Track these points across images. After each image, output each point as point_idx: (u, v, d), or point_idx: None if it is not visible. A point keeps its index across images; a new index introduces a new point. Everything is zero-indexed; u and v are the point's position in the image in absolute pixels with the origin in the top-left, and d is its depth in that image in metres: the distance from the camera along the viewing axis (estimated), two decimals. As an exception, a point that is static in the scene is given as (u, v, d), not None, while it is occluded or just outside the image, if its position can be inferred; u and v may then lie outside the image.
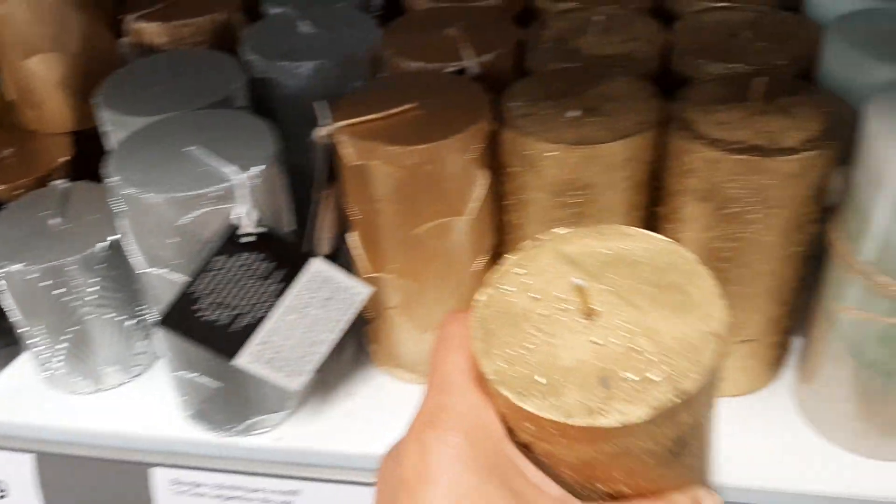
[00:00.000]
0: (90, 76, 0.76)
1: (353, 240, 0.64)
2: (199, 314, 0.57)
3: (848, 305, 0.55)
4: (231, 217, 0.55)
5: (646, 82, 0.61)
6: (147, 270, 0.58)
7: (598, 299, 0.34)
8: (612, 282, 0.35)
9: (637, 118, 0.57)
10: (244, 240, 0.56)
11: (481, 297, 0.36)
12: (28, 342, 0.68)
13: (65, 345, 0.67)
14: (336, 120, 0.59)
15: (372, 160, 0.57)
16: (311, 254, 0.59)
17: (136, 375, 0.72)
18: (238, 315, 0.58)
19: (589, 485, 0.35)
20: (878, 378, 0.56)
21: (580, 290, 0.34)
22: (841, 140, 0.55)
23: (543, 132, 0.57)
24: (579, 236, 0.37)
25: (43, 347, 0.68)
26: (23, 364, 0.74)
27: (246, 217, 0.55)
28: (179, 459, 0.65)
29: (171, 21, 0.75)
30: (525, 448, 0.35)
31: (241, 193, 0.55)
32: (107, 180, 0.56)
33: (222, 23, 0.77)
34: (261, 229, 0.56)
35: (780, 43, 0.65)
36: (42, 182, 0.73)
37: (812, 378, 0.62)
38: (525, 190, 0.59)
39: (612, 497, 0.36)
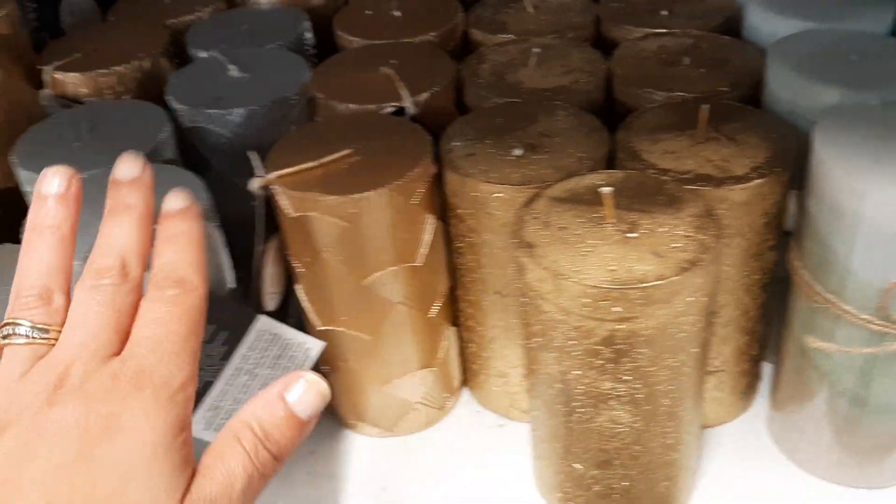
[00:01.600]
0: (9, 132, 0.72)
1: (301, 293, 0.62)
2: (139, 385, 0.53)
3: (816, 335, 0.54)
4: (167, 281, 0.52)
5: (588, 115, 0.60)
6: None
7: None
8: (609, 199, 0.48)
9: (581, 154, 0.56)
10: (183, 304, 0.53)
11: (521, 238, 0.48)
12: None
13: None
14: (270, 169, 0.57)
15: (310, 212, 0.55)
16: (255, 312, 0.57)
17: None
18: (181, 382, 0.55)
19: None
20: (852, 407, 0.55)
21: (607, 197, 0.48)
22: (791, 165, 0.54)
23: (488, 173, 0.55)
24: (559, 185, 0.52)
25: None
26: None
27: (182, 280, 0.52)
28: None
29: (92, 71, 0.72)
30: (608, 342, 0.47)
31: (177, 255, 0.52)
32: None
33: (147, 70, 0.73)
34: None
35: (720, 68, 0.65)
36: (-40, 249, 0.68)
37: (785, 408, 0.61)
38: (476, 232, 0.57)
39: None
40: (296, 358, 0.59)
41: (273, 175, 0.56)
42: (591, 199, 0.50)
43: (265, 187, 0.57)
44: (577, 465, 0.55)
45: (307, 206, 0.55)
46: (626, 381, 0.49)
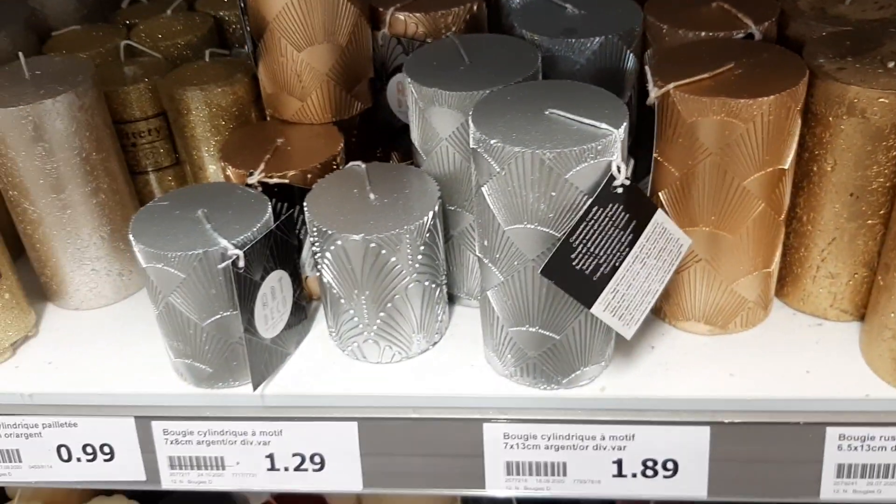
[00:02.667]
0: (351, 67, 0.80)
1: (662, 197, 0.69)
2: (574, 263, 0.61)
3: None
4: (611, 169, 0.60)
5: (929, 38, 0.68)
6: (514, 227, 0.62)
7: None
8: None
9: (946, 67, 0.64)
10: (617, 191, 0.61)
11: None
12: (344, 314, 0.72)
13: (382, 314, 0.71)
14: (661, 83, 0.64)
15: (713, 115, 0.63)
16: (655, 205, 0.64)
17: (435, 343, 0.75)
18: (598, 264, 0.62)
19: None
20: None
21: None
22: None
23: (870, 82, 0.63)
24: None
25: (357, 319, 0.71)
26: (314, 340, 0.77)
27: (620, 172, 0.60)
28: (510, 414, 0.69)
29: (431, 12, 0.80)
30: None
31: (617, 147, 0.60)
32: (492, 142, 0.60)
33: (473, 12, 0.81)
34: (627, 181, 0.61)
35: None
36: (327, 167, 0.76)
37: None
38: (844, 137, 0.65)
39: None
40: (671, 252, 0.67)
41: (672, 85, 0.64)
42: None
43: (658, 98, 0.64)
44: (947, 339, 0.62)
45: (710, 111, 0.63)
46: None
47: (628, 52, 0.74)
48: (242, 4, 0.78)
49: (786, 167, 0.66)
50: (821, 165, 0.68)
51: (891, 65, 0.64)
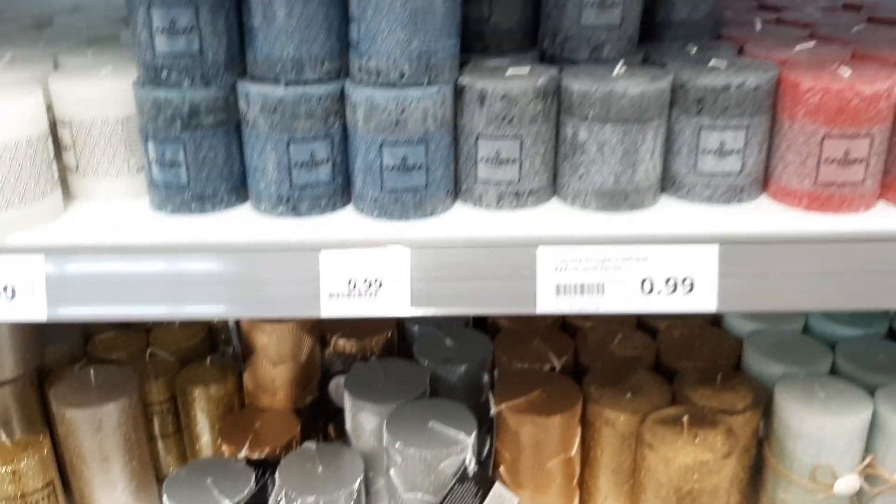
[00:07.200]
0: (306, 374, 1.24)
1: (501, 471, 1.12)
2: (444, 518, 1.03)
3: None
4: (465, 462, 1.03)
5: (654, 374, 1.15)
6: (409, 494, 1.04)
7: None
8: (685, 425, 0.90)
9: (659, 400, 1.11)
10: (470, 474, 1.03)
11: (645, 441, 0.91)
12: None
13: (325, 546, 1.10)
14: (496, 401, 1.09)
15: (528, 425, 1.07)
16: (494, 480, 1.07)
17: (358, 564, 1.14)
18: (459, 518, 1.04)
19: None
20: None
21: (683, 423, 0.88)
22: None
23: (617, 406, 1.09)
24: (655, 414, 0.92)
25: (311, 549, 1.10)
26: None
27: (471, 462, 1.03)
28: None
29: (360, 339, 1.24)
30: (684, 492, 0.88)
31: (469, 447, 1.03)
32: (397, 445, 1.02)
33: (388, 338, 1.26)
34: (477, 467, 1.04)
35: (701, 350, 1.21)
36: (290, 444, 1.17)
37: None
38: (604, 438, 1.10)
39: None
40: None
41: (503, 405, 1.09)
42: (670, 424, 1.04)
43: (497, 412, 1.09)
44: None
45: (526, 422, 1.07)
46: (696, 512, 1.01)
47: (483, 372, 1.20)
48: (237, 341, 1.21)
49: (572, 454, 1.11)
50: (594, 452, 1.12)
51: (628, 395, 1.10)
